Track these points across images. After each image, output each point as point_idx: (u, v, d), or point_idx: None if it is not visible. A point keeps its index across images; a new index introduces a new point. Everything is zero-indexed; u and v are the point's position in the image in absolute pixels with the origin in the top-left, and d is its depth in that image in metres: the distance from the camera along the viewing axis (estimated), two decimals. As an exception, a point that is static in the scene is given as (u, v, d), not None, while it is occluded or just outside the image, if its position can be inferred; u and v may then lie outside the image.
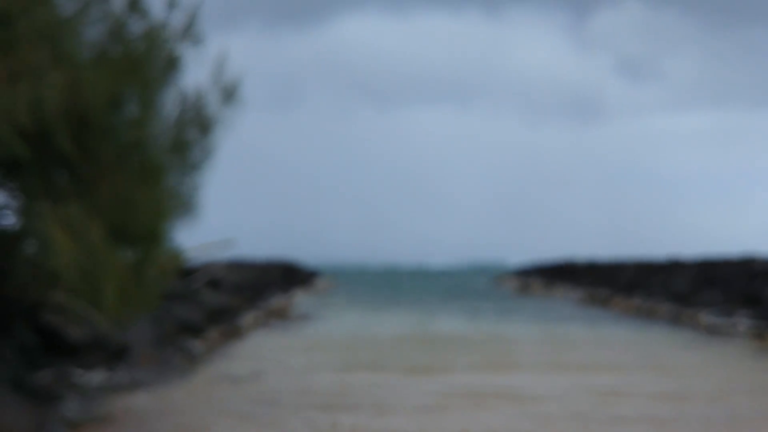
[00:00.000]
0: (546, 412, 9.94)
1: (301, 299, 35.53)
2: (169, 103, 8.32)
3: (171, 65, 8.08)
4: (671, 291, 28.52)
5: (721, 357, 16.14)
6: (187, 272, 20.58)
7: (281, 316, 25.29)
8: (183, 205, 8.82)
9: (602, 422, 9.46)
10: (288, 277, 42.55)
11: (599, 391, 11.56)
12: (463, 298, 38.64)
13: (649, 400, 10.94)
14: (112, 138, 8.13)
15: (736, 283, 25.02)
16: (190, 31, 8.53)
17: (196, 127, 8.39)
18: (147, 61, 8.01)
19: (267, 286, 31.22)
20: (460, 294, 42.52)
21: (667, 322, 24.47)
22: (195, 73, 8.26)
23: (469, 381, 12.27)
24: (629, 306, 30.20)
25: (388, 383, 12.08)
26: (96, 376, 10.65)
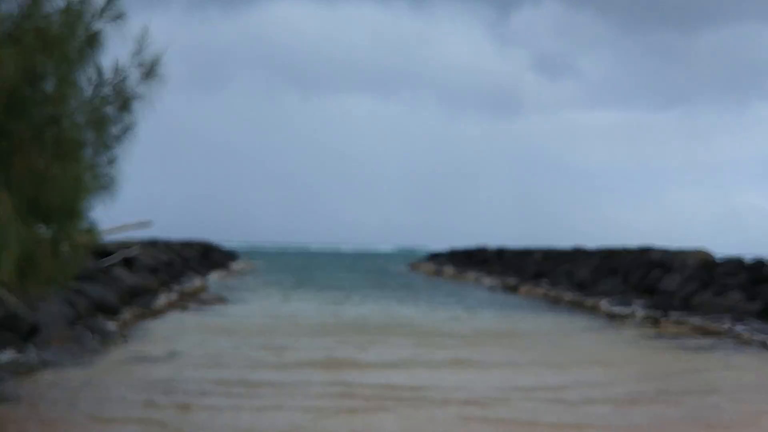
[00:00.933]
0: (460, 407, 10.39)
1: (218, 280, 35.34)
2: (87, 79, 8.33)
3: (90, 41, 8.09)
4: (575, 280, 29.71)
5: (620, 342, 17.06)
6: (103, 252, 20.31)
7: (197, 298, 25.21)
8: (100, 182, 8.85)
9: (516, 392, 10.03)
10: (205, 258, 42.19)
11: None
12: (378, 282, 39.16)
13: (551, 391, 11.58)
14: (26, 113, 8.10)
15: (635, 273, 26.29)
16: (110, 8, 8.53)
17: (114, 103, 8.42)
18: (64, 37, 8.00)
19: (183, 268, 30.96)
20: (375, 278, 43.04)
21: (571, 309, 25.54)
22: (115, 50, 8.28)
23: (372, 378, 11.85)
24: (536, 293, 31.30)
25: (290, 376, 12.19)
26: (4, 356, 10.55)
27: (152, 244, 31.27)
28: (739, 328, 17.95)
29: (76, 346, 12.90)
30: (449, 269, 49.75)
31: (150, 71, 8.56)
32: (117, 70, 8.28)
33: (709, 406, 10.04)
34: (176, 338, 15.33)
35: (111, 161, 8.67)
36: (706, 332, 18.56)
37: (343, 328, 18.15)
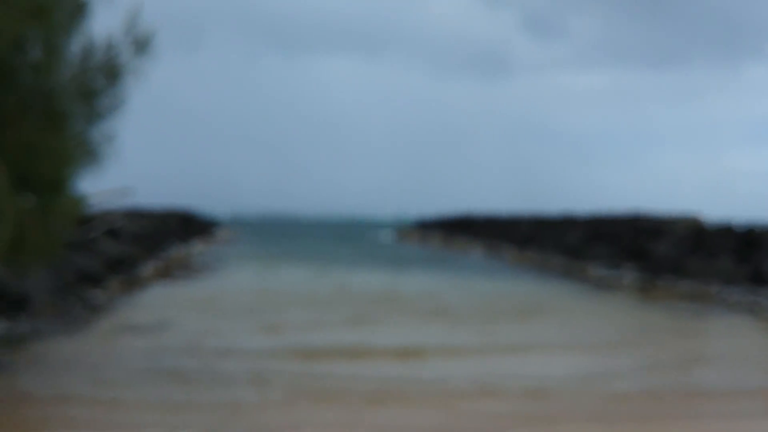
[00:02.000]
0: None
1: (200, 249, 35.16)
2: (76, 50, 8.12)
3: (78, 11, 7.88)
4: (564, 245, 29.82)
5: (611, 306, 17.15)
6: (86, 220, 20.07)
7: (181, 266, 25.05)
8: (88, 153, 8.68)
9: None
10: (187, 227, 41.92)
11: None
12: (366, 250, 39.12)
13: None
14: (14, 84, 7.89)
15: (623, 239, 26.39)
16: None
17: (104, 75, 8.23)
18: (52, 6, 7.78)
19: (166, 236, 30.73)
20: (362, 246, 43.00)
21: (559, 274, 25.64)
22: (105, 21, 8.07)
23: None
24: (524, 258, 31.40)
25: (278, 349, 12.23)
26: (-5, 326, 10.42)
27: (134, 213, 30.99)
28: (727, 292, 18.09)
29: (65, 315, 12.78)
30: (437, 237, 49.83)
31: (143, 45, 8.36)
32: (108, 42, 8.08)
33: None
34: (163, 307, 15.23)
35: (100, 133, 8.50)
36: (694, 297, 18.70)
37: (344, 298, 18.09)
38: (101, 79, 8.19)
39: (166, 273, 22.74)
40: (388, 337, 12.31)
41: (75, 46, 8.03)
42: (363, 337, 12.22)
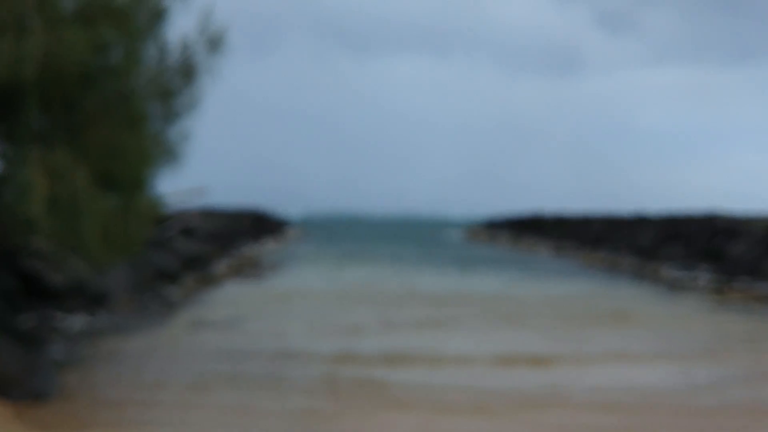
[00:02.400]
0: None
1: (271, 248, 35.72)
2: (154, 52, 8.38)
3: (157, 15, 8.12)
4: (636, 245, 29.22)
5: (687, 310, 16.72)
6: (162, 219, 20.64)
7: (253, 264, 25.52)
8: (166, 152, 8.93)
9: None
10: (259, 226, 42.66)
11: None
12: (434, 250, 39.08)
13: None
14: (95, 87, 8.19)
15: (698, 240, 25.71)
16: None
17: (180, 75, 8.46)
18: (131, 12, 8.04)
19: (239, 235, 31.36)
20: (430, 246, 42.98)
21: (631, 275, 25.13)
22: (181, 23, 8.30)
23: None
24: (595, 258, 30.89)
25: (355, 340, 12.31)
26: (77, 321, 10.83)
27: (208, 212, 31.69)
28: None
29: (142, 311, 13.19)
30: (506, 237, 49.45)
31: (216, 45, 8.56)
32: (183, 43, 8.31)
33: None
34: (235, 305, 15.53)
35: (177, 132, 8.74)
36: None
37: (415, 298, 18.11)
38: (177, 80, 8.42)
39: (239, 271, 23.21)
40: (462, 342, 12.17)
41: (152, 48, 8.28)
42: (436, 341, 12.06)
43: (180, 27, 8.51)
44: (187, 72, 8.40)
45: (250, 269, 24.24)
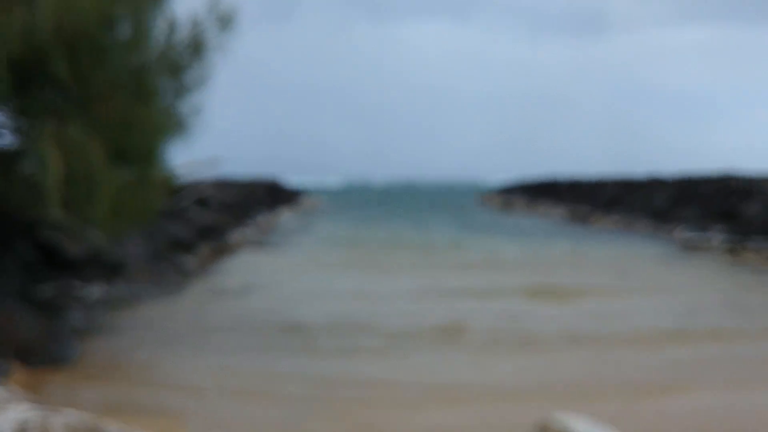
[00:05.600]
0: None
1: (287, 218, 35.97)
2: (163, 28, 8.53)
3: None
4: (650, 207, 29.21)
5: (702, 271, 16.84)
6: (177, 190, 20.88)
7: (268, 234, 25.78)
8: (177, 125, 9.12)
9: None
10: (273, 195, 42.89)
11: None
12: (451, 216, 39.23)
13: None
14: (105, 60, 8.35)
15: (713, 201, 25.67)
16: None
17: (190, 50, 8.62)
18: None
19: (253, 205, 31.60)
20: (448, 212, 43.11)
21: (645, 236, 25.19)
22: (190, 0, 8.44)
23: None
24: (609, 221, 30.92)
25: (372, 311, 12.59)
26: (95, 290, 11.11)
27: (222, 182, 31.93)
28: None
29: (159, 280, 13.45)
30: (520, 201, 49.46)
31: (226, 21, 8.70)
32: (193, 18, 8.45)
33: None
34: (252, 273, 15.80)
35: (188, 106, 8.91)
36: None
37: (429, 263, 18.33)
38: (187, 55, 8.58)
39: (254, 240, 23.48)
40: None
41: (161, 23, 8.43)
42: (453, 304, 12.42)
43: (190, 3, 8.66)
44: (197, 48, 8.56)
45: (266, 238, 24.50)
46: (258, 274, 15.57)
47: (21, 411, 1.32)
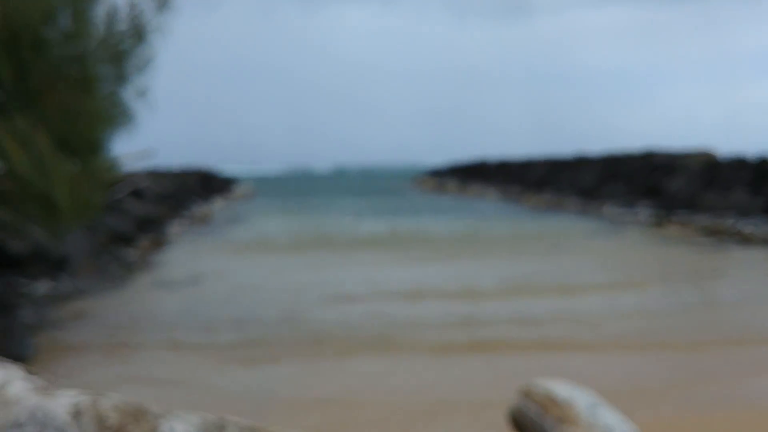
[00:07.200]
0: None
1: (221, 207, 35.70)
2: (102, 15, 8.46)
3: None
4: (578, 186, 30.07)
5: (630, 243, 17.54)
6: (116, 182, 20.55)
7: (204, 223, 25.60)
8: (120, 114, 9.07)
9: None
10: (207, 185, 42.43)
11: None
12: (384, 200, 39.52)
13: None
14: (47, 53, 8.26)
15: (638, 177, 26.62)
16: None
17: (129, 36, 8.57)
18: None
19: (187, 195, 31.25)
20: (379, 197, 43.40)
21: (575, 213, 25.97)
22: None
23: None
24: (540, 201, 31.71)
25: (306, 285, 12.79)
26: (41, 286, 10.96)
27: (155, 173, 31.46)
28: (742, 225, 18.39)
29: (103, 273, 13.32)
30: (452, 184, 50.13)
31: (163, 3, 8.66)
32: (132, 5, 8.41)
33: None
34: (192, 262, 15.75)
35: (130, 93, 8.86)
36: (711, 232, 19.01)
37: (363, 242, 18.56)
38: (127, 41, 8.53)
39: (191, 229, 23.29)
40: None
41: (100, 11, 8.37)
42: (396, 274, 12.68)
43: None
44: (137, 32, 8.52)
45: (203, 227, 24.33)
46: (197, 264, 15.54)
47: (71, 396, 1.47)
